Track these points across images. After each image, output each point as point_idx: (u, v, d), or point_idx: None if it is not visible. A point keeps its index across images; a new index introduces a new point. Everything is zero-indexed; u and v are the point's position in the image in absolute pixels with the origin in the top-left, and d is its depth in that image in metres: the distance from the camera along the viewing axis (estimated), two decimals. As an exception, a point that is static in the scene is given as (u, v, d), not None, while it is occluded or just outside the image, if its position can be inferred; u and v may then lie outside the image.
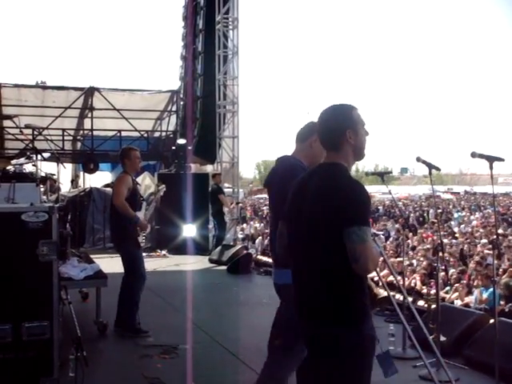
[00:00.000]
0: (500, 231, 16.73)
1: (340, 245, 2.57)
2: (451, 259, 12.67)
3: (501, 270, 10.34)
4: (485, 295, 8.59)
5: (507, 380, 4.54)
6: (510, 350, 4.69)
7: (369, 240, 2.57)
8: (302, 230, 2.76)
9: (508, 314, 7.37)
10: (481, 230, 18.97)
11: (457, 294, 9.64)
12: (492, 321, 5.14)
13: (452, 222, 24.91)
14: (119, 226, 6.31)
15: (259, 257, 13.09)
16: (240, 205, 18.80)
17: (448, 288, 10.25)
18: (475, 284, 9.45)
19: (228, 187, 16.02)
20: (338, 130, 2.78)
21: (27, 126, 11.96)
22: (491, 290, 8.22)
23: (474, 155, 3.78)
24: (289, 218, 2.92)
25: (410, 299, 5.86)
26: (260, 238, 19.38)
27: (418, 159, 3.76)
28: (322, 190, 2.69)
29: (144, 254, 13.48)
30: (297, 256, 2.85)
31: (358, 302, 2.68)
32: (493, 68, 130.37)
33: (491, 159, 3.83)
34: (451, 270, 11.12)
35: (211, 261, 12.00)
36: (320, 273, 2.67)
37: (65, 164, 9.36)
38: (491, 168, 3.82)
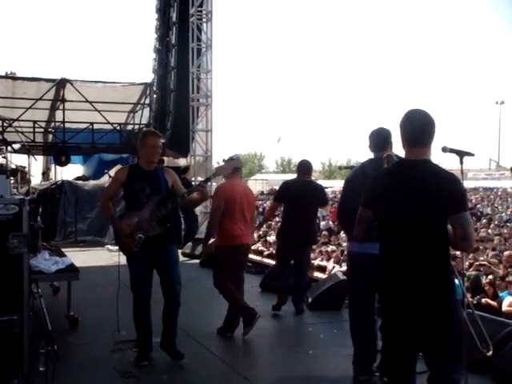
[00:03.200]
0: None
1: (444, 226, 3.07)
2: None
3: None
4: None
5: None
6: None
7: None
8: (408, 214, 3.12)
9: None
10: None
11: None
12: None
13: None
14: None
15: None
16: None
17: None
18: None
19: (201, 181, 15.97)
20: (433, 129, 3.25)
21: (-3, 118, 11.80)
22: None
23: (444, 150, 3.81)
24: (382, 205, 3.29)
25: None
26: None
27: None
28: (430, 180, 3.08)
29: (116, 248, 13.38)
30: (399, 236, 3.19)
31: (452, 274, 3.20)
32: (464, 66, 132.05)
33: (461, 154, 3.86)
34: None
35: (184, 254, 11.97)
36: (428, 250, 3.10)
37: (36, 156, 9.24)
38: (461, 163, 3.86)
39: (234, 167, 6.21)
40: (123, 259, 5.24)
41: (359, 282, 4.78)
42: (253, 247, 13.48)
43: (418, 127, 3.23)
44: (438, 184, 3.05)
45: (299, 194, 7.14)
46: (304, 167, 7.49)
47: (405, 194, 3.14)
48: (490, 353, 4.30)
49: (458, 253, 11.15)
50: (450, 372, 3.11)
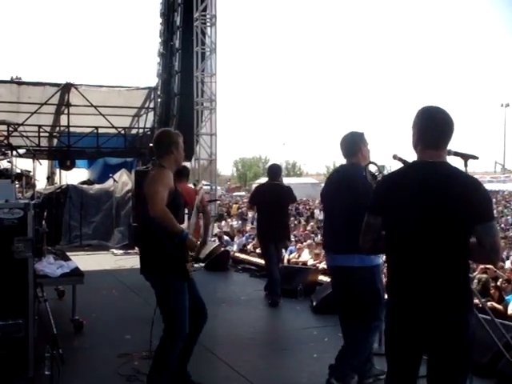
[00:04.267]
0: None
1: (466, 236, 2.75)
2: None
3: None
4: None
5: None
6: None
7: None
8: (424, 222, 2.79)
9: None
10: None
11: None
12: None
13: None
14: (154, 245, 4.21)
15: (237, 254, 13.10)
16: (218, 202, 18.76)
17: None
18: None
19: (206, 184, 16.00)
20: (452, 129, 2.96)
21: (2, 122, 11.80)
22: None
23: (449, 153, 3.80)
24: (392, 212, 2.93)
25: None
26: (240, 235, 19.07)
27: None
28: (450, 185, 2.78)
29: (121, 252, 13.33)
30: (414, 247, 2.85)
31: (471, 290, 2.89)
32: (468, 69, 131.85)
33: (466, 157, 3.85)
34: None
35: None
36: (447, 263, 2.78)
37: (41, 161, 9.25)
38: (466, 166, 3.85)
39: (180, 171, 6.43)
40: (128, 264, 5.23)
41: (337, 293, 4.91)
42: (258, 250, 13.48)
43: (437, 126, 2.95)
44: (460, 190, 2.75)
45: (267, 196, 7.95)
46: (272, 171, 8.38)
47: (420, 199, 2.82)
48: None
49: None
50: None
